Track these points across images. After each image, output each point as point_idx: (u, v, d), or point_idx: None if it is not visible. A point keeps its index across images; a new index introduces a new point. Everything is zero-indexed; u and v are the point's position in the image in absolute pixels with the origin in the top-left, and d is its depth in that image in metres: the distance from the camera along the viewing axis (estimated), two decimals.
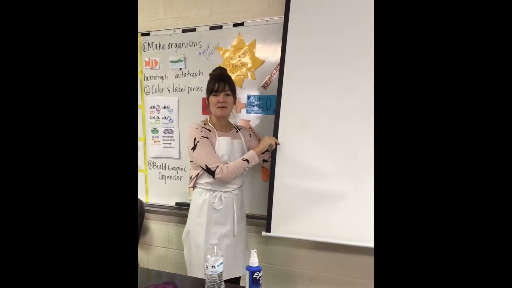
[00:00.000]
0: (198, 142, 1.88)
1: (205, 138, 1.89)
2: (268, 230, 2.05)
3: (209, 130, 1.94)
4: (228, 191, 1.96)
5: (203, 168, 1.89)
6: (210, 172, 1.87)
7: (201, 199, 1.95)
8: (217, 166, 1.86)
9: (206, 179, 1.93)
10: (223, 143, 1.94)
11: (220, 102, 1.90)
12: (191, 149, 1.90)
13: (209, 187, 1.94)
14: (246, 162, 1.91)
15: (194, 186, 2.00)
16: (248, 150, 2.00)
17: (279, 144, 2.01)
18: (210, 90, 1.92)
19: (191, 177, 2.01)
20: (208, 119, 2.00)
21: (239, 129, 2.08)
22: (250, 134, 2.12)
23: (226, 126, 2.02)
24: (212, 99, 1.91)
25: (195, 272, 1.91)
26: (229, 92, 1.92)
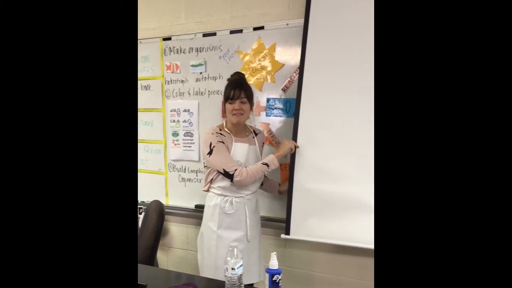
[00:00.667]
0: (214, 146, 1.87)
1: (221, 143, 1.88)
2: (288, 232, 2.05)
3: (224, 136, 1.92)
4: (240, 196, 1.94)
5: (220, 173, 1.88)
6: (229, 176, 1.86)
7: (212, 203, 1.95)
8: (236, 169, 1.85)
9: (219, 183, 1.93)
10: (239, 149, 1.93)
11: (235, 109, 1.88)
12: (207, 154, 1.89)
13: (219, 192, 1.93)
14: (266, 166, 1.89)
15: (208, 190, 2.00)
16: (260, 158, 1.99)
17: (298, 147, 2.01)
18: (226, 97, 1.90)
19: (206, 181, 2.01)
20: (224, 124, 1.98)
21: (257, 134, 2.06)
22: (263, 143, 2.11)
23: (242, 131, 1.99)
24: (228, 106, 1.90)
25: (207, 274, 1.91)
26: (245, 100, 1.89)
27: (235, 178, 1.85)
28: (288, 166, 2.10)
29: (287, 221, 2.05)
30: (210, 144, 1.88)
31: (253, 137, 2.03)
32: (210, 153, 1.88)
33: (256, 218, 2.03)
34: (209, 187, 1.98)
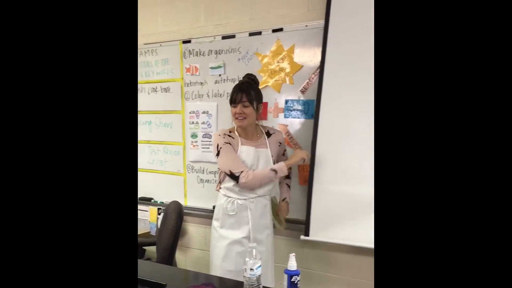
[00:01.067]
0: (221, 148, 1.87)
1: (228, 144, 1.87)
2: (307, 234, 2.04)
3: (233, 138, 1.91)
4: (243, 198, 1.91)
5: (227, 174, 1.88)
6: (234, 177, 1.84)
7: (218, 203, 1.97)
8: (242, 172, 1.83)
9: (225, 183, 1.94)
10: (245, 152, 1.89)
11: (237, 113, 1.85)
12: (216, 156, 1.90)
13: (224, 192, 1.94)
14: (273, 172, 1.85)
15: (219, 190, 2.01)
16: (274, 159, 1.95)
17: (310, 156, 1.99)
18: (230, 101, 1.89)
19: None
20: (235, 127, 1.96)
21: (271, 134, 1.99)
22: (281, 143, 2.01)
23: (252, 134, 1.94)
24: (232, 109, 1.88)
25: (213, 272, 1.94)
26: (247, 104, 1.83)
27: (241, 180, 1.83)
28: (308, 168, 2.10)
29: (306, 222, 2.04)
30: (217, 145, 1.89)
31: (265, 138, 1.97)
32: (217, 154, 1.89)
33: (264, 223, 1.97)
34: (219, 187, 2.00)
